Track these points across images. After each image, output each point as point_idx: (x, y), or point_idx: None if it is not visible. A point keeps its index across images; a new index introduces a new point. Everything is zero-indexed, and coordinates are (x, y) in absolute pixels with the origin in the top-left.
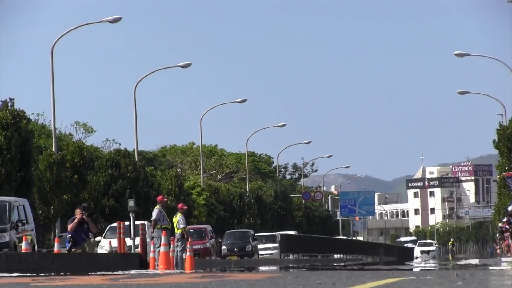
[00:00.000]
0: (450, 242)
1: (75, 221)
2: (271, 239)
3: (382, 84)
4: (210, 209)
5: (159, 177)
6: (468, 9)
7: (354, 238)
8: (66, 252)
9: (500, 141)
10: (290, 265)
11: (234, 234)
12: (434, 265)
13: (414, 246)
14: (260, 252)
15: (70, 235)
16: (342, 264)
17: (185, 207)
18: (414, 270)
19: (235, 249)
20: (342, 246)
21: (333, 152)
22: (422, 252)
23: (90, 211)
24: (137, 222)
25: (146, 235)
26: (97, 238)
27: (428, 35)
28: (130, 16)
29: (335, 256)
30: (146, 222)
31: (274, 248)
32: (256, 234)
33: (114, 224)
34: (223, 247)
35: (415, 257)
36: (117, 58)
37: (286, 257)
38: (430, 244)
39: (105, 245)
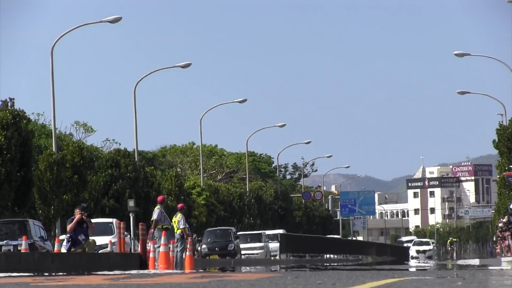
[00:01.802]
0: (449, 241)
1: (74, 221)
2: (257, 238)
3: (382, 84)
4: (210, 209)
5: (159, 177)
6: (468, 9)
7: (354, 238)
8: (66, 252)
9: (500, 141)
10: (277, 266)
11: (215, 232)
12: (429, 265)
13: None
14: (244, 252)
15: (69, 235)
16: (328, 264)
17: (185, 208)
18: (410, 270)
19: (216, 248)
20: (332, 246)
21: (333, 152)
22: (418, 251)
23: (90, 211)
24: (107, 220)
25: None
26: (61, 237)
27: (428, 35)
28: (130, 16)
29: (326, 256)
30: (114, 220)
31: (259, 248)
32: (240, 233)
33: None
34: (203, 246)
35: (410, 256)
36: (117, 58)
37: (272, 257)
38: (427, 243)
39: (67, 244)
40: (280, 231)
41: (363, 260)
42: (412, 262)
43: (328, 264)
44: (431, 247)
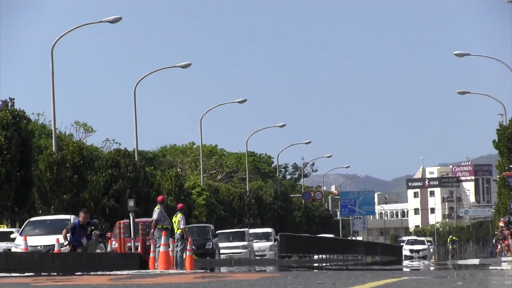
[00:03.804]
0: (449, 239)
1: (63, 234)
2: (239, 236)
3: (382, 84)
4: (210, 209)
5: (159, 177)
6: (468, 9)
7: (354, 238)
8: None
9: (500, 141)
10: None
11: (192, 230)
12: (422, 265)
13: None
14: (225, 252)
15: (70, 241)
16: (319, 264)
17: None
18: (409, 270)
19: (193, 246)
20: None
21: (333, 152)
22: (411, 251)
23: (98, 230)
24: (64, 216)
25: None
26: (12, 236)
27: (428, 35)
28: (130, 16)
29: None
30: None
31: (242, 247)
32: (222, 231)
33: (34, 219)
34: None
35: (403, 256)
36: (117, 58)
37: (257, 258)
38: (421, 242)
39: (20, 243)
40: (269, 229)
41: (356, 261)
42: (405, 263)
43: (319, 265)
44: (425, 246)
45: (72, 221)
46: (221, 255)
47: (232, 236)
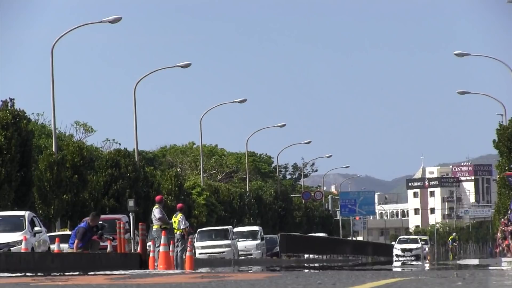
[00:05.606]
0: (451, 237)
1: (76, 244)
2: (222, 235)
3: (382, 84)
4: (210, 209)
5: (159, 177)
6: (468, 9)
7: (354, 238)
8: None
9: (500, 141)
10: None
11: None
12: (413, 266)
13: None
14: (206, 251)
15: (81, 246)
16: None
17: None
18: (408, 270)
19: None
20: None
21: (333, 152)
22: (403, 250)
23: (101, 235)
24: (18, 212)
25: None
26: None
27: (428, 35)
28: (130, 16)
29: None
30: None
31: (225, 246)
32: (203, 229)
33: None
34: (149, 243)
35: (394, 255)
36: (117, 58)
37: (243, 257)
38: (414, 241)
39: None
40: (256, 227)
41: (351, 260)
42: (396, 263)
43: (311, 265)
44: (418, 245)
45: (25, 218)
46: (200, 255)
47: (214, 234)
